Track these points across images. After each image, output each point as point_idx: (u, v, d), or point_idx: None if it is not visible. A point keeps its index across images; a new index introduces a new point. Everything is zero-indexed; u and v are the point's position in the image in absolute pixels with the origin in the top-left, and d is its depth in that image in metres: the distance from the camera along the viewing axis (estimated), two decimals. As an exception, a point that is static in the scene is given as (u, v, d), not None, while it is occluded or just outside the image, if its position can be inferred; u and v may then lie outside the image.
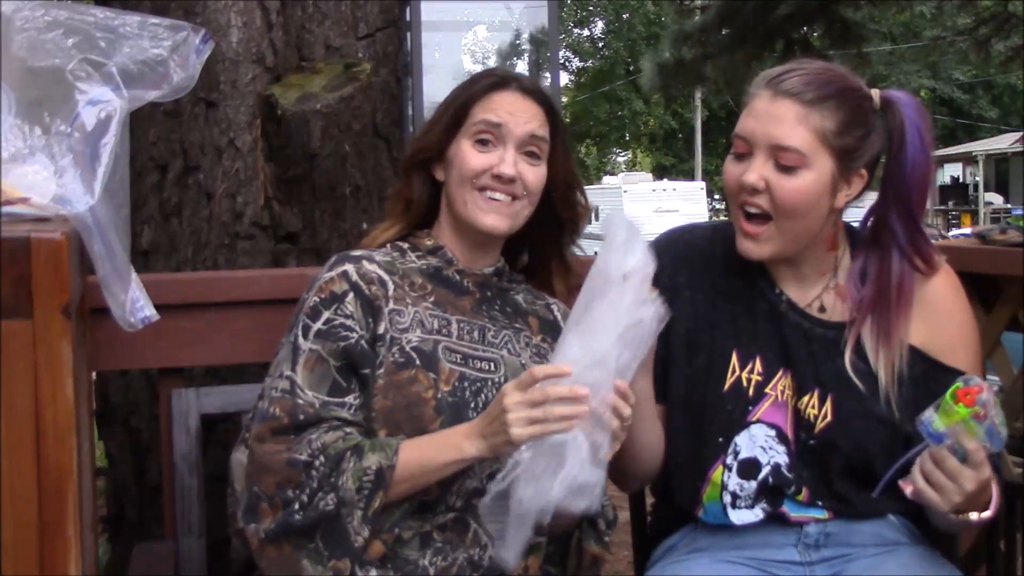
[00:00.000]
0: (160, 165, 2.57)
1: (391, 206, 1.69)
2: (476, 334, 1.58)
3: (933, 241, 1.70)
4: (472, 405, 1.51)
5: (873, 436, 1.58)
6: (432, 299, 1.58)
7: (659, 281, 1.67)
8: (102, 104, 1.37)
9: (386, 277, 1.56)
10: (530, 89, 1.62)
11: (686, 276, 1.68)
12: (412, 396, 1.48)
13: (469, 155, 1.57)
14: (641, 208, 22.90)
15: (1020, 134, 22.83)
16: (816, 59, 1.68)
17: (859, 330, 1.61)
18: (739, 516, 1.62)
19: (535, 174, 1.60)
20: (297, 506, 1.41)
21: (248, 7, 2.58)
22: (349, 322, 1.50)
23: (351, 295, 1.52)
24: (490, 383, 1.55)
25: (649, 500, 1.88)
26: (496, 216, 1.58)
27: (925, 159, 1.57)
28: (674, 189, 23.38)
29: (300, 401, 1.46)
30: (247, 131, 2.56)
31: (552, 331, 1.67)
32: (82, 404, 1.35)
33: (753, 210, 1.56)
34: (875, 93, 1.59)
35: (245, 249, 2.53)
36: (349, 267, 1.54)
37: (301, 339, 1.49)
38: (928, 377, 1.61)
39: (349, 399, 1.48)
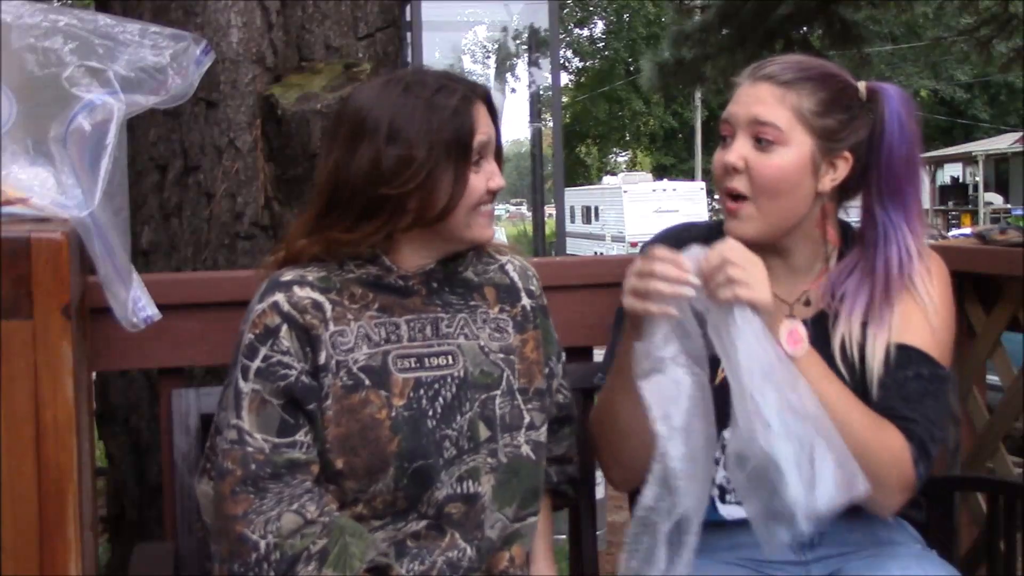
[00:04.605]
0: (160, 165, 2.57)
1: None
2: (428, 329, 1.53)
3: (932, 241, 1.70)
4: (430, 413, 1.48)
5: None
6: (376, 306, 1.52)
7: None
8: (100, 108, 1.37)
9: (321, 298, 1.48)
10: (485, 95, 1.55)
11: None
12: (365, 419, 1.45)
13: (474, 182, 1.50)
14: (641, 208, 22.94)
15: (1020, 134, 22.82)
16: (808, 54, 1.69)
17: (847, 323, 1.60)
18: (728, 511, 1.62)
19: None
20: None
21: (248, 7, 2.58)
22: (287, 359, 1.45)
23: (285, 328, 1.46)
24: (449, 379, 1.51)
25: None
26: (492, 226, 1.56)
27: (906, 148, 1.59)
28: (674, 189, 23.42)
29: (250, 449, 1.43)
30: (247, 131, 2.56)
31: (510, 295, 1.62)
32: (82, 404, 1.35)
33: (734, 192, 1.59)
34: (862, 84, 1.62)
35: (245, 249, 2.53)
36: (279, 297, 1.46)
37: (241, 382, 1.45)
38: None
39: (299, 436, 1.44)
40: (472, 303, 1.58)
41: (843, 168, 1.59)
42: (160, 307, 1.48)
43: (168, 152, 2.57)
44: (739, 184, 1.58)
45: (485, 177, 1.52)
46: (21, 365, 1.19)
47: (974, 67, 24.45)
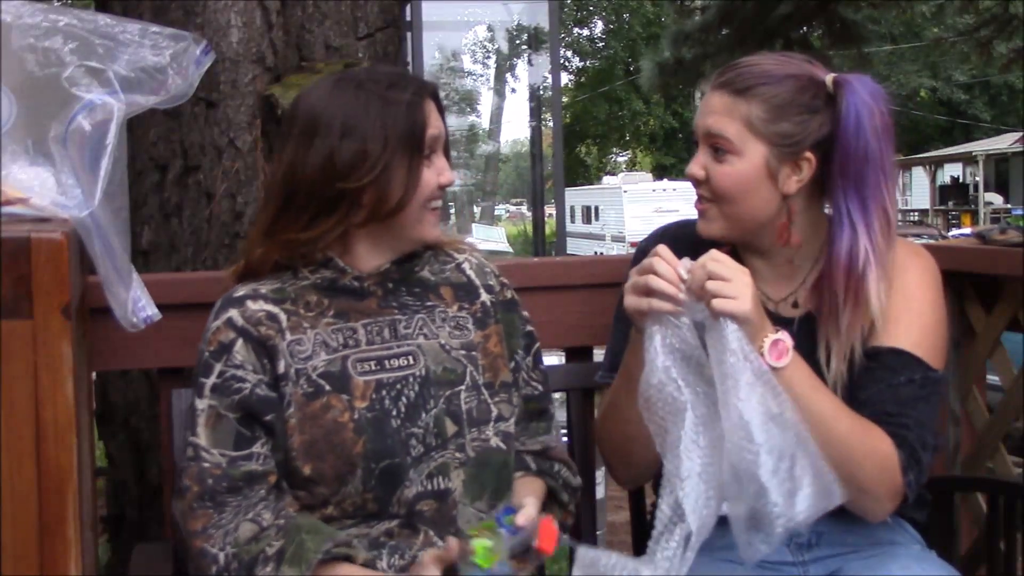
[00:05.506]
0: (160, 165, 2.58)
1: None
2: (387, 332, 1.53)
3: (932, 241, 1.69)
4: (394, 412, 1.48)
5: None
6: (332, 313, 1.52)
7: None
8: (100, 108, 1.37)
9: (276, 310, 1.49)
10: (434, 91, 1.56)
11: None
12: (328, 424, 1.46)
13: (426, 176, 1.52)
14: (641, 208, 22.93)
15: (1020, 134, 22.83)
16: (785, 53, 1.69)
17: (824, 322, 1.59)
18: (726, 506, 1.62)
19: None
20: None
21: (248, 7, 2.58)
22: (240, 372, 1.46)
23: (239, 342, 1.47)
24: (411, 379, 1.51)
25: (649, 500, 1.88)
26: (439, 226, 1.57)
27: (864, 140, 1.55)
28: (674, 189, 23.36)
29: (206, 464, 1.44)
30: (247, 131, 2.56)
31: (468, 293, 1.62)
32: (82, 404, 1.35)
33: (700, 197, 1.63)
34: (829, 78, 1.59)
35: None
36: (233, 313, 1.48)
37: (197, 399, 1.47)
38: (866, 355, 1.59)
39: (256, 448, 1.46)
40: (429, 303, 1.58)
41: (808, 169, 1.58)
42: (160, 307, 1.48)
43: (168, 152, 2.57)
44: (703, 191, 1.62)
45: (436, 172, 1.53)
46: (21, 365, 1.19)
47: (974, 67, 24.44)
